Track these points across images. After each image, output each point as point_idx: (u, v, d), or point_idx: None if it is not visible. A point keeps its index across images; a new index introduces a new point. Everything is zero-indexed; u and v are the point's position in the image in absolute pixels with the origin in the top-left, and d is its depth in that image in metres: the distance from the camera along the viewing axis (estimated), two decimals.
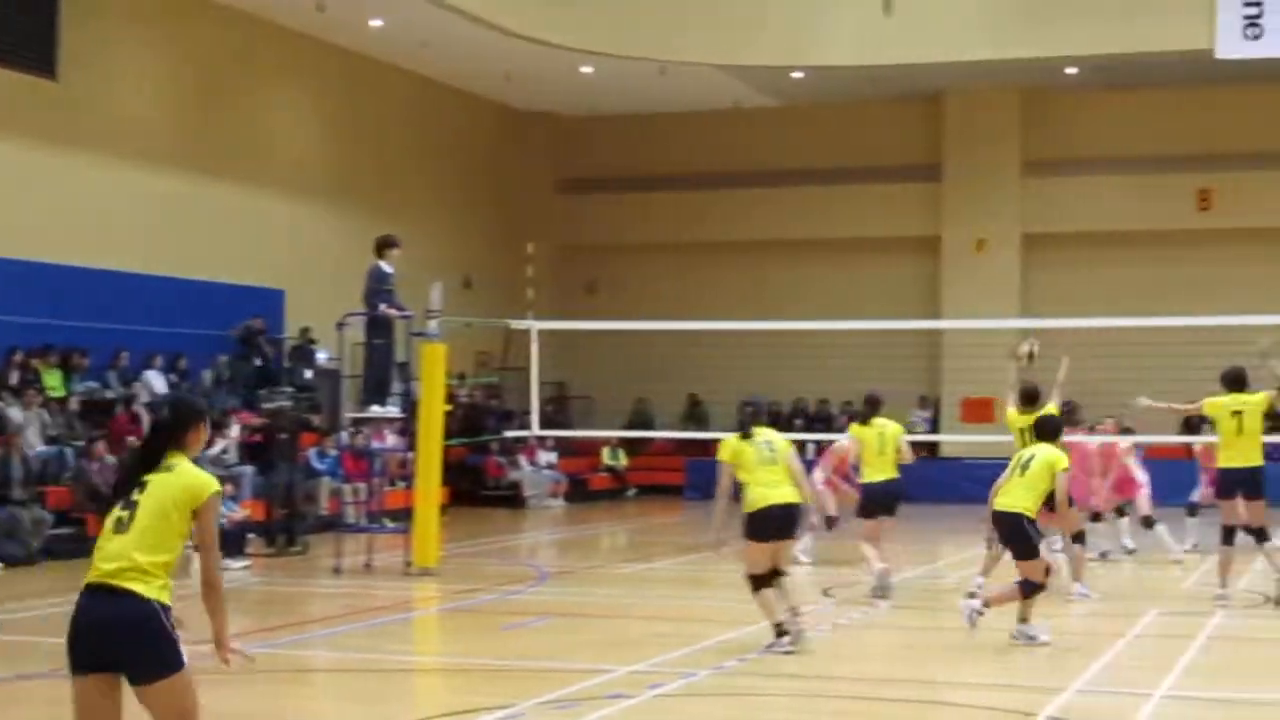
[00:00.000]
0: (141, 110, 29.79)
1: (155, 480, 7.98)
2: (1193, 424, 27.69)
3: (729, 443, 14.72)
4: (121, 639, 7.75)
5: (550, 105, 41.37)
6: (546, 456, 36.93)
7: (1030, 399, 18.59)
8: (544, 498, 35.93)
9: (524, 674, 13.60)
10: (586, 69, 36.71)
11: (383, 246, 21.91)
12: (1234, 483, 17.97)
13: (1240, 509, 17.99)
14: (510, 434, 32.39)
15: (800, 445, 19.38)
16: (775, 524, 14.42)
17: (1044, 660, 14.73)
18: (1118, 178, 38.77)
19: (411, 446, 22.69)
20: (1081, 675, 13.60)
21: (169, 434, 8.18)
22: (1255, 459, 17.90)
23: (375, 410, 22.55)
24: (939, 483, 35.11)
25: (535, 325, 24.43)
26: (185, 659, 7.73)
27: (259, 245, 32.13)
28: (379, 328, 21.89)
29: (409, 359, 22.69)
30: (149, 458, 8.12)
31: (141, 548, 7.81)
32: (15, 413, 24.00)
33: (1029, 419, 17.68)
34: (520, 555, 25.84)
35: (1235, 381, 18.06)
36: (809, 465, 19.60)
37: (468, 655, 15.22)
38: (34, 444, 24.06)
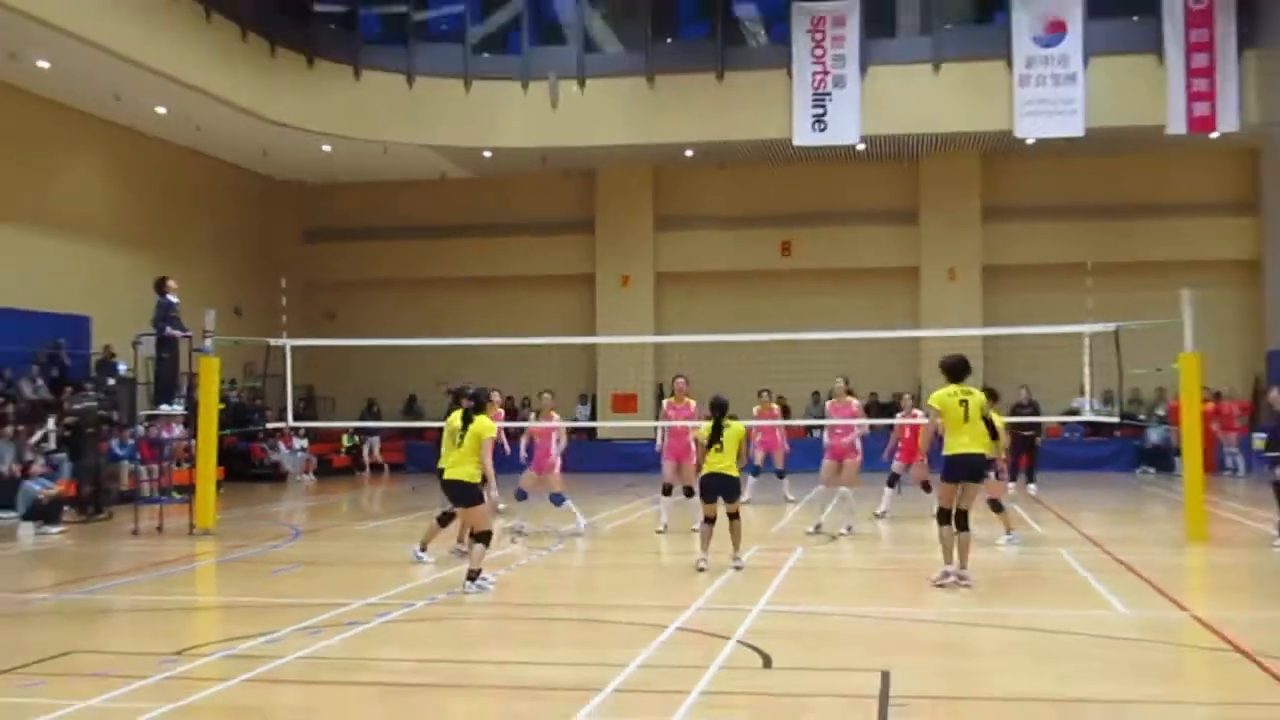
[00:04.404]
0: None
1: None
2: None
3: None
4: None
5: (299, 174, 40.66)
6: (299, 442, 36.36)
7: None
8: (298, 474, 35.49)
9: (283, 609, 13.36)
10: (326, 147, 36.23)
11: (160, 283, 22.33)
12: (960, 468, 14.31)
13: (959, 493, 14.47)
14: (270, 425, 31.78)
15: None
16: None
17: (673, 583, 14.97)
18: (724, 230, 39.58)
19: (193, 435, 22.16)
20: (703, 594, 13.84)
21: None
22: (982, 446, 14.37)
23: (164, 409, 22.44)
24: (597, 457, 35.76)
25: (288, 343, 23.92)
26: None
27: (70, 281, 31.21)
28: (166, 345, 21.90)
29: (190, 369, 22.30)
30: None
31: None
32: None
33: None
34: (280, 518, 25.28)
35: (957, 370, 14.50)
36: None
37: (239, 595, 14.89)
38: None
